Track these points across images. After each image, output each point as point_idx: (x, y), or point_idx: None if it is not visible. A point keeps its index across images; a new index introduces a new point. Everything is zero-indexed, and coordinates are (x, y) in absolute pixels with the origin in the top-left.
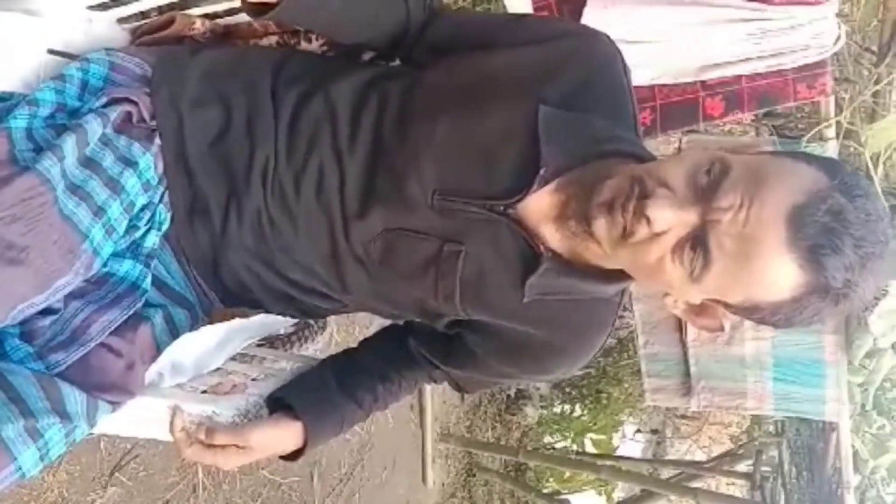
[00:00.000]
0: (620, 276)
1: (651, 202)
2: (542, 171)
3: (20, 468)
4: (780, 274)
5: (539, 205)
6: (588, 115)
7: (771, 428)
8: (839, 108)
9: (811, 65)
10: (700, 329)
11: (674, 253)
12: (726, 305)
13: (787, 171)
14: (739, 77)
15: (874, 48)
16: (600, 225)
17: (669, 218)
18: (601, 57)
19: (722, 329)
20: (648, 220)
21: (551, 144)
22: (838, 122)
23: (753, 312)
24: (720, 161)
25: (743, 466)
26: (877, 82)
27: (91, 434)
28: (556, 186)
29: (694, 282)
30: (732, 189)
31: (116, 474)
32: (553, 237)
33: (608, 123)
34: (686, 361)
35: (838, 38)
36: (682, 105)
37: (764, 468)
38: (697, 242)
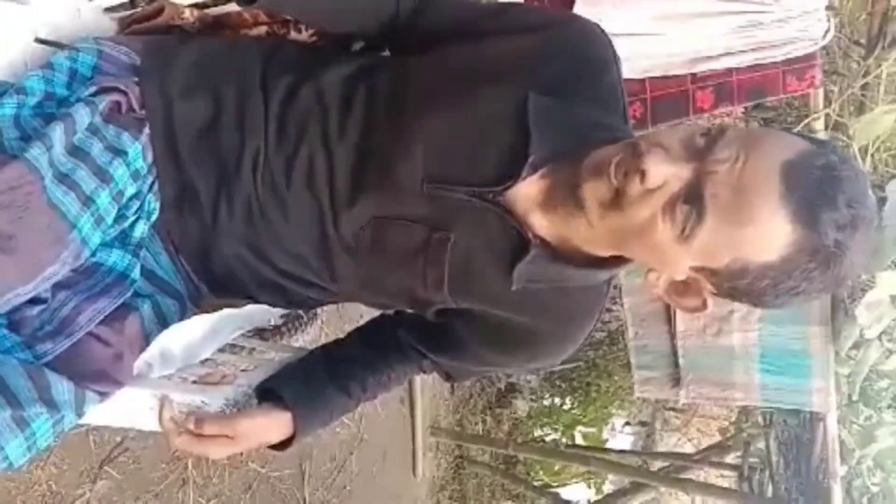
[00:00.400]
0: (608, 262)
1: (646, 157)
2: (531, 159)
3: (7, 457)
4: (773, 228)
5: (528, 192)
6: (577, 104)
7: (759, 419)
8: (828, 101)
9: (801, 57)
10: (684, 310)
11: (665, 212)
12: (712, 274)
13: (781, 136)
14: (730, 70)
15: (863, 41)
16: (589, 188)
17: (664, 171)
18: (591, 46)
19: (705, 307)
20: (642, 176)
21: (540, 132)
22: (827, 115)
23: (740, 277)
24: (716, 126)
25: (731, 458)
26: (865, 75)
27: (79, 425)
28: (544, 174)
29: (684, 241)
30: (728, 146)
31: (106, 467)
32: (541, 224)
33: (597, 112)
34: (675, 353)
35: (827, 30)
36: (672, 98)
37: (752, 459)
38: (691, 196)
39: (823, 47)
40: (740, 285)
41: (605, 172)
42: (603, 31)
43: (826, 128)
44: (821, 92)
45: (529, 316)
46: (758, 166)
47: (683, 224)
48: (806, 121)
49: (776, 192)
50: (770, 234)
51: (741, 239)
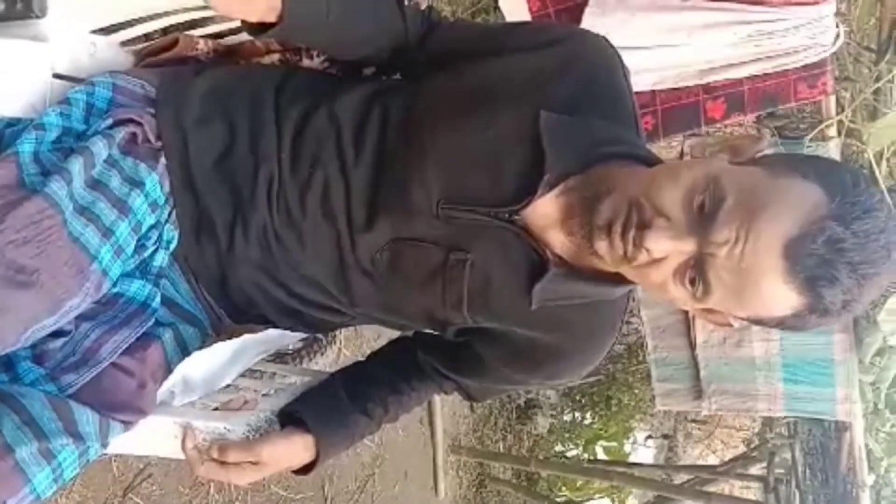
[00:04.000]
0: (626, 278)
1: (648, 234)
2: (546, 177)
3: (34, 490)
4: (780, 299)
5: (544, 210)
6: (589, 119)
7: (783, 429)
8: (840, 107)
9: (811, 65)
10: (714, 324)
11: (675, 277)
12: (733, 315)
13: (782, 198)
14: (740, 79)
15: (873, 46)
16: (602, 246)
17: (667, 248)
18: (600, 59)
19: (731, 325)
20: (648, 250)
21: (554, 149)
22: (840, 121)
23: (759, 323)
24: (714, 183)
25: (756, 469)
26: (877, 80)
27: (104, 454)
28: (559, 191)
29: (699, 301)
30: (727, 223)
31: (129, 494)
32: (559, 242)
33: (609, 126)
34: (696, 365)
35: (837, 37)
36: (683, 108)
37: (777, 470)
38: (696, 273)
39: (834, 54)
40: (760, 324)
41: (612, 236)
42: (610, 43)
43: (839, 134)
44: (833, 98)
45: (550, 333)
46: (757, 248)
47: (693, 292)
48: (819, 127)
49: (779, 273)
50: (778, 303)
51: (750, 307)
